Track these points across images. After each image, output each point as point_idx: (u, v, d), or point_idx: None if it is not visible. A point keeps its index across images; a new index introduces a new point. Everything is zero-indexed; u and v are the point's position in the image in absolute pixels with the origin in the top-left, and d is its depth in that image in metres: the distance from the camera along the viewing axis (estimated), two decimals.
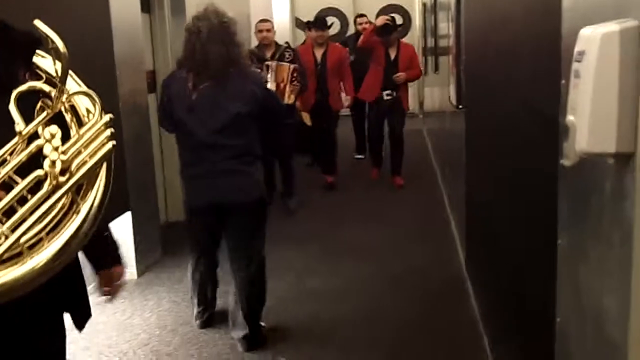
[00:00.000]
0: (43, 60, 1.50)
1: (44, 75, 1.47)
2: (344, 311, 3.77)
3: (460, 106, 4.31)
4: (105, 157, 1.38)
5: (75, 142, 1.35)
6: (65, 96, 1.39)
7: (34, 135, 1.35)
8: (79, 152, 1.34)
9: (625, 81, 1.08)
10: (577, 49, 1.17)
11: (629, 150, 1.10)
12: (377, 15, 8.41)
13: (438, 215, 5.54)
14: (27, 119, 1.35)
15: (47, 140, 1.30)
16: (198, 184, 3.24)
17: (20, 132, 1.32)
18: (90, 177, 1.37)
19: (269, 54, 5.72)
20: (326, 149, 6.78)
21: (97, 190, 1.39)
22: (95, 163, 1.35)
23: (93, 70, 3.44)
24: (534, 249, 2.18)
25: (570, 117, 1.18)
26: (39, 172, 1.29)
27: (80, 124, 1.42)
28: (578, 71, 1.15)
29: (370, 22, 7.51)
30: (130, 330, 3.65)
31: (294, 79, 5.55)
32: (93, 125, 1.38)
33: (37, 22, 1.33)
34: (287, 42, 6.59)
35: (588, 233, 1.41)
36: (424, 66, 8.86)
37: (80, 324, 1.85)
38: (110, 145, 1.37)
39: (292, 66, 5.57)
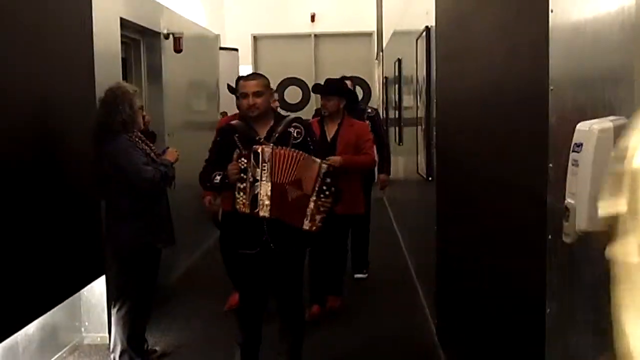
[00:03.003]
0: None
1: None
2: None
3: (430, 178, 4.52)
4: None
5: None
6: None
7: None
8: None
9: None
10: (574, 140, 1.35)
11: None
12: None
13: (404, 283, 5.67)
14: None
15: None
16: None
17: None
18: None
19: (262, 132, 3.32)
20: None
21: None
22: None
23: (78, 141, 3.65)
24: (518, 318, 2.33)
25: (570, 200, 1.35)
26: None
27: None
28: (577, 160, 1.33)
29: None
30: None
31: (325, 187, 3.19)
32: None
33: None
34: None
35: (577, 299, 1.58)
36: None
37: None
38: None
39: (324, 164, 3.22)
